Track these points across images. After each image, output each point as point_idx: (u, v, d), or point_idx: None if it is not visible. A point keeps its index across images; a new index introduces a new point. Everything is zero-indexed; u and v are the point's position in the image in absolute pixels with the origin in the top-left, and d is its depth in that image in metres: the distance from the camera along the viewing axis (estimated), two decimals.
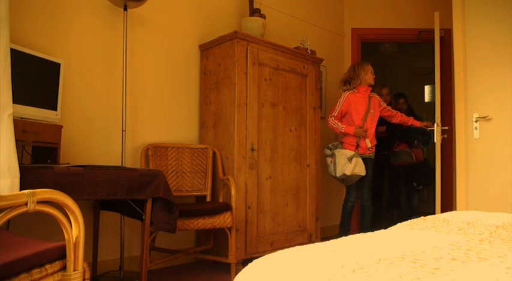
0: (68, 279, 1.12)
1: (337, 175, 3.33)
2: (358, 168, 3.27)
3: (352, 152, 3.32)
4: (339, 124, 3.38)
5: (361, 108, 3.42)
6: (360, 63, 3.57)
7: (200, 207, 2.52)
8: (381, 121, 3.86)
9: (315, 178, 3.38)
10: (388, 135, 4.22)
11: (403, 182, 4.41)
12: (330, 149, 3.51)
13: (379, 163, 4.03)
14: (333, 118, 3.42)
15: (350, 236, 1.16)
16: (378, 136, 4.05)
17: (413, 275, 0.72)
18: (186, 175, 2.88)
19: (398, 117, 3.67)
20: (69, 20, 2.48)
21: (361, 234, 1.20)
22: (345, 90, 3.50)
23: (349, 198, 3.49)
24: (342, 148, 3.42)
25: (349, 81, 3.48)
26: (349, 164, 3.27)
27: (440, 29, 3.49)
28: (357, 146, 3.37)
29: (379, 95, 3.97)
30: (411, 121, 3.64)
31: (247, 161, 2.84)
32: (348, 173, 3.24)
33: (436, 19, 3.35)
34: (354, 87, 3.45)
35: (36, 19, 2.33)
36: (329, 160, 3.45)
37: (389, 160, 4.33)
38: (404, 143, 4.20)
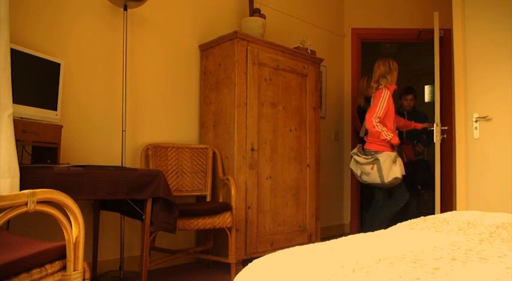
0: (68, 279, 1.12)
1: (387, 180, 3.08)
2: (403, 168, 3.13)
3: (394, 153, 3.15)
4: (385, 130, 3.11)
5: (393, 110, 3.28)
6: (391, 59, 3.34)
7: (200, 207, 2.52)
8: None
9: (315, 178, 3.38)
10: None
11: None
12: (364, 155, 3.20)
13: None
14: (378, 120, 3.14)
15: (350, 236, 1.16)
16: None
17: (413, 275, 0.72)
18: (186, 175, 2.88)
19: (402, 121, 3.59)
20: (69, 20, 2.48)
21: (361, 234, 1.20)
22: (380, 88, 3.25)
23: (381, 199, 3.37)
24: (378, 150, 3.17)
25: (385, 77, 3.25)
26: (394, 165, 3.09)
27: (440, 29, 3.48)
28: (392, 146, 3.21)
29: (371, 87, 3.89)
30: (413, 125, 3.61)
31: (247, 161, 2.84)
32: (399, 175, 3.06)
33: (435, 19, 3.35)
34: (385, 85, 3.26)
35: (36, 19, 2.33)
36: (368, 167, 3.14)
37: None
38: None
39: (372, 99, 3.41)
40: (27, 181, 1.54)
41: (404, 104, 4.20)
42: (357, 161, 3.24)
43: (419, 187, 4.00)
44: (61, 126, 2.13)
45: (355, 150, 3.33)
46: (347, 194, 4.53)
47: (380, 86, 3.28)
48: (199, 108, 3.16)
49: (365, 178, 3.22)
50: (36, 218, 2.21)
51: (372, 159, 3.15)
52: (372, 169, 3.12)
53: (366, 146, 3.28)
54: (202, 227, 2.45)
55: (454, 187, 3.06)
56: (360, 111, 4.06)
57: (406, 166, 3.94)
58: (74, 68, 2.48)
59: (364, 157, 3.21)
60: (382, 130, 3.13)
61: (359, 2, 4.66)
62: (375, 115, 3.13)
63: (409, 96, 4.20)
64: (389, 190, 3.35)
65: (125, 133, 2.52)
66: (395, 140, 3.14)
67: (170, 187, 2.34)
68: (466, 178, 2.93)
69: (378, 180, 3.13)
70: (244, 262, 2.72)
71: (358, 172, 3.28)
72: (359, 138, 4.25)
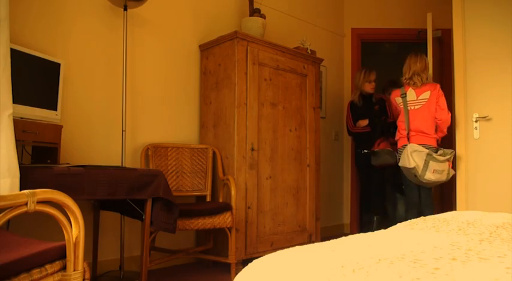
0: (68, 279, 1.12)
1: (451, 175, 3.03)
2: None
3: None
4: None
5: None
6: (425, 56, 3.28)
7: (200, 207, 2.52)
8: (364, 114, 3.68)
9: (315, 178, 3.38)
10: (370, 130, 3.69)
11: (388, 185, 3.85)
12: (437, 153, 3.05)
13: (364, 163, 3.73)
14: None
15: (350, 236, 1.16)
16: (357, 132, 3.75)
17: (414, 275, 0.72)
18: (186, 175, 2.88)
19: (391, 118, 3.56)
20: (69, 20, 2.48)
21: (361, 234, 1.20)
22: (419, 85, 3.17)
23: (413, 196, 3.28)
24: (437, 146, 3.12)
25: (419, 75, 3.19)
26: None
27: (439, 29, 3.49)
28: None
29: (368, 81, 3.73)
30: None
31: (247, 161, 2.84)
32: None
33: (428, 20, 3.36)
34: (425, 83, 3.20)
35: (36, 19, 2.33)
36: (447, 164, 3.00)
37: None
38: (386, 141, 3.68)
39: (408, 94, 3.20)
40: (27, 181, 1.54)
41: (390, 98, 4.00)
42: (434, 159, 2.98)
43: (403, 186, 3.64)
44: (61, 126, 2.13)
45: (417, 147, 3.05)
46: (347, 194, 4.53)
47: (418, 83, 3.16)
48: (199, 108, 3.16)
49: (435, 177, 2.98)
50: (36, 218, 2.21)
51: (449, 155, 3.00)
52: (450, 165, 3.00)
53: (427, 142, 3.08)
54: (202, 227, 2.45)
55: (454, 187, 3.06)
56: (353, 108, 3.79)
57: (393, 167, 3.56)
58: (74, 68, 2.48)
59: (441, 153, 3.04)
60: None
61: (359, 2, 4.65)
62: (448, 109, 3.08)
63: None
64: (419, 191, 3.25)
65: (124, 133, 2.52)
66: None
67: (170, 187, 2.34)
68: (466, 178, 2.93)
69: (444, 177, 3.00)
70: (244, 262, 2.72)
71: (420, 170, 3.00)
72: (353, 136, 3.92)
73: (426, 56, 3.33)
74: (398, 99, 3.29)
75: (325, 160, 4.21)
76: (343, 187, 4.54)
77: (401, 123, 3.25)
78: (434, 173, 2.96)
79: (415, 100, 3.18)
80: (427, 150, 3.00)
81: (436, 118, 3.11)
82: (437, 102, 3.10)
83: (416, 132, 3.14)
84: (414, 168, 3.00)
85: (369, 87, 3.74)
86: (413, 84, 3.19)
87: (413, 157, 3.02)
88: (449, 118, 3.10)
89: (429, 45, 3.37)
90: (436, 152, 3.04)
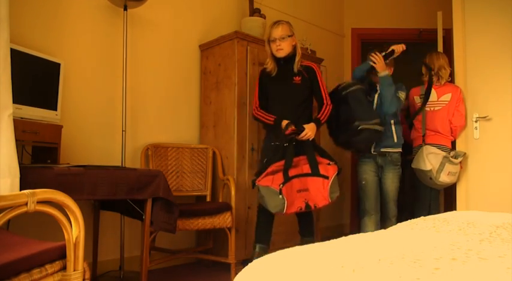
0: (68, 279, 1.12)
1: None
2: None
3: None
4: None
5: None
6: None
7: (200, 207, 2.52)
8: (277, 88, 2.63)
9: None
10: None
11: None
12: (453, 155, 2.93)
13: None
14: None
15: (350, 236, 1.16)
16: (260, 117, 2.77)
17: (414, 275, 0.72)
18: (186, 175, 2.88)
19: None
20: (69, 20, 2.48)
21: (361, 234, 1.20)
22: (442, 83, 3.10)
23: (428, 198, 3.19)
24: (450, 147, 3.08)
25: (445, 69, 3.10)
26: None
27: (443, 29, 3.48)
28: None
29: (270, 39, 2.64)
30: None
31: (247, 161, 2.84)
32: None
33: (439, 19, 3.35)
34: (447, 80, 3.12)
35: (36, 19, 2.33)
36: (459, 166, 2.93)
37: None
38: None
39: (423, 93, 3.11)
40: (27, 181, 1.53)
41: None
42: (450, 161, 2.91)
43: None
44: (61, 126, 2.13)
45: (433, 149, 2.97)
46: (347, 194, 4.53)
47: (441, 80, 3.07)
48: (199, 108, 3.16)
49: (449, 179, 2.92)
50: (36, 218, 2.21)
51: (462, 157, 2.92)
52: (461, 167, 2.95)
53: (443, 142, 3.01)
54: (202, 227, 2.45)
55: (454, 187, 3.06)
56: (264, 79, 2.60)
57: None
58: (74, 68, 2.48)
59: (454, 155, 2.94)
60: None
61: (359, 2, 4.65)
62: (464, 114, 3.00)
63: None
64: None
65: (124, 133, 2.52)
66: None
67: (170, 187, 2.33)
68: (466, 178, 2.93)
69: (456, 179, 2.96)
70: (244, 262, 2.72)
71: (435, 172, 2.92)
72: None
73: None
74: (417, 99, 3.17)
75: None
76: (343, 187, 4.52)
77: (418, 122, 3.15)
78: (449, 175, 2.91)
79: (436, 101, 3.08)
80: (444, 152, 2.94)
81: (451, 123, 3.00)
82: (456, 107, 2.99)
83: (434, 132, 3.05)
84: (430, 171, 2.93)
85: (274, 48, 2.52)
86: (438, 80, 3.07)
87: (429, 159, 2.95)
88: (464, 125, 2.98)
89: (440, 45, 3.35)
90: (450, 153, 2.97)
